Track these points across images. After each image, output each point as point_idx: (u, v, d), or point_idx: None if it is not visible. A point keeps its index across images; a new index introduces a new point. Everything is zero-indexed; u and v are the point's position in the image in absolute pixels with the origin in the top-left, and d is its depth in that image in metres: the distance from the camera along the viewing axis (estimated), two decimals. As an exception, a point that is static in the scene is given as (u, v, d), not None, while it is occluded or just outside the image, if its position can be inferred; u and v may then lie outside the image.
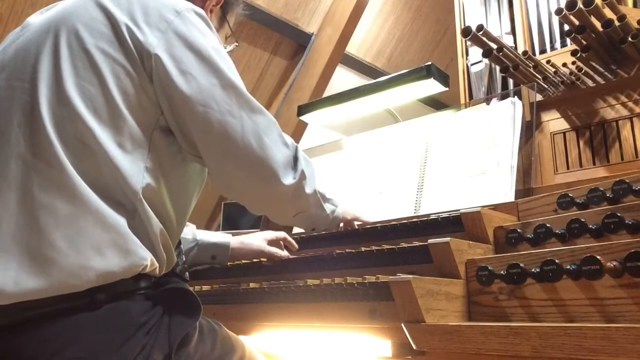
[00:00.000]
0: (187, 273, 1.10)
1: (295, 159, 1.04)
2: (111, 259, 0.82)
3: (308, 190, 1.09)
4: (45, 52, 0.90)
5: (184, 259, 1.14)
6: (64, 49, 0.89)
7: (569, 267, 0.87)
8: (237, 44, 1.33)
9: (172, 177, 0.95)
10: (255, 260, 1.50)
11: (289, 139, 1.04)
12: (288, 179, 1.01)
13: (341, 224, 1.41)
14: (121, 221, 0.85)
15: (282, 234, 1.49)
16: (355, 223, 1.41)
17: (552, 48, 2.35)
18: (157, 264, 0.90)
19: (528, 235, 1.09)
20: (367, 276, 1.01)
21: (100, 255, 0.81)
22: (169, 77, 0.90)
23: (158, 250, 0.90)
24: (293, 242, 1.48)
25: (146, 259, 0.86)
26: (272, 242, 1.47)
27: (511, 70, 2.04)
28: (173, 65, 0.90)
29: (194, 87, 0.91)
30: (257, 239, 1.47)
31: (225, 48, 1.27)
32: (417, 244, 1.14)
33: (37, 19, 1.00)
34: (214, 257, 1.46)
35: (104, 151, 0.85)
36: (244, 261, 1.54)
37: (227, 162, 0.96)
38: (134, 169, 0.88)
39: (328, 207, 1.20)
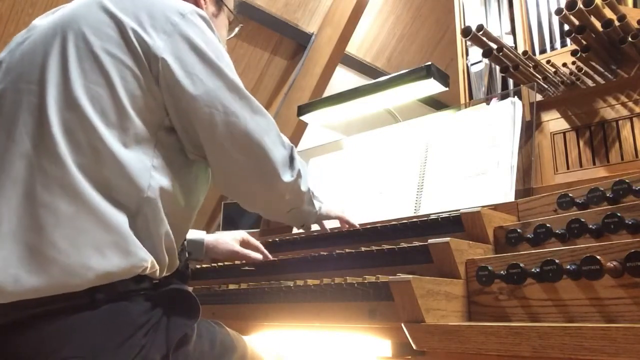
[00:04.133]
0: (189, 270, 1.10)
1: (292, 158, 1.08)
2: (111, 259, 0.82)
3: (303, 187, 1.14)
4: (52, 55, 0.91)
5: (187, 255, 1.15)
6: (71, 52, 0.91)
7: (569, 267, 0.87)
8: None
9: (180, 176, 0.96)
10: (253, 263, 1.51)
11: (286, 139, 1.08)
12: (287, 177, 1.06)
13: (339, 224, 1.42)
14: (123, 222, 0.85)
15: (255, 241, 1.52)
16: (349, 221, 1.43)
17: (552, 48, 2.35)
18: (157, 267, 0.90)
19: (528, 235, 1.09)
20: (367, 276, 1.01)
21: (101, 256, 0.82)
22: (175, 79, 0.92)
23: (160, 253, 0.91)
24: (267, 252, 1.51)
25: (146, 260, 0.86)
26: (244, 244, 1.50)
27: (511, 70, 2.03)
28: (179, 68, 0.92)
29: (200, 89, 0.93)
30: (230, 239, 1.50)
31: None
32: (417, 244, 1.14)
33: (43, 22, 1.01)
34: (189, 253, 1.47)
35: (111, 152, 0.86)
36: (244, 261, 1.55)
37: (230, 161, 0.99)
38: (141, 169, 0.88)
39: (316, 204, 1.27)
